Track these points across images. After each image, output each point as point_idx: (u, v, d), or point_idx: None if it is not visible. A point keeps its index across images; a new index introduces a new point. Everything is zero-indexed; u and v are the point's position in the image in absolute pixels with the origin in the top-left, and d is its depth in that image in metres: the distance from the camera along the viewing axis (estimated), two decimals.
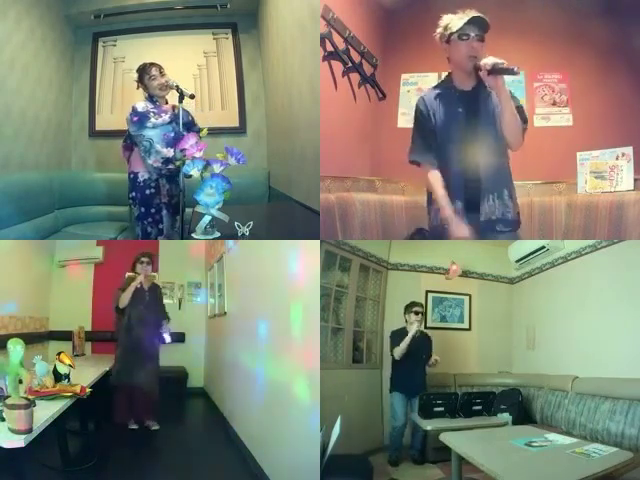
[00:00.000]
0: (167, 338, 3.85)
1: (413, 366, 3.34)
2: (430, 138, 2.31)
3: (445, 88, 2.31)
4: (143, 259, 3.81)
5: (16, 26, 4.00)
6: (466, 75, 2.24)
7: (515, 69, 2.06)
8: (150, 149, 3.20)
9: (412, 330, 3.31)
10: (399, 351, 3.29)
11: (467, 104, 2.25)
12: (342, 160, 3.44)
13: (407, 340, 3.29)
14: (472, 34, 2.15)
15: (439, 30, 2.24)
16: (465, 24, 2.14)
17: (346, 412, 2.52)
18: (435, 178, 2.29)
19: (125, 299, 3.70)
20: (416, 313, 3.37)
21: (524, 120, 2.24)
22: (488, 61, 2.09)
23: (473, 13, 2.16)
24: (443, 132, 2.28)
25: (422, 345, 3.39)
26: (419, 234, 3.38)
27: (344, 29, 3.33)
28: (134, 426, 3.77)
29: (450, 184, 2.26)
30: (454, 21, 2.18)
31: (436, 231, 2.36)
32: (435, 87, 2.39)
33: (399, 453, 3.27)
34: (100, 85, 5.09)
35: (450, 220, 2.21)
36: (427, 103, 2.32)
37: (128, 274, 3.82)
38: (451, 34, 2.19)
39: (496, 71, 2.09)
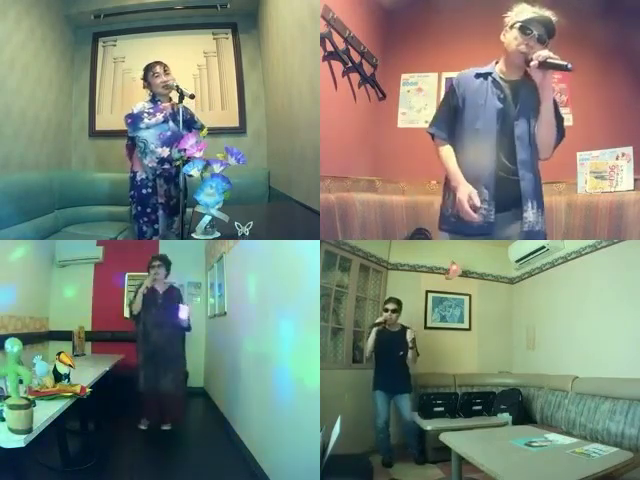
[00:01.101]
0: (185, 321, 3.73)
1: (391, 363, 3.29)
2: (451, 115, 2.25)
3: (488, 71, 2.21)
4: (154, 263, 3.79)
5: (16, 26, 4.00)
6: (514, 67, 2.16)
7: (568, 65, 1.98)
8: (145, 150, 3.22)
9: (373, 329, 3.27)
10: (366, 350, 3.29)
11: (506, 91, 2.16)
12: (342, 160, 3.44)
13: (370, 339, 3.27)
14: (535, 32, 2.06)
15: (511, 14, 2.14)
16: (531, 19, 2.06)
17: (346, 412, 2.52)
18: (447, 153, 2.23)
19: (136, 305, 3.70)
20: (385, 310, 3.33)
21: (561, 134, 2.17)
22: (542, 53, 2.02)
23: (546, 12, 2.08)
24: (470, 112, 2.20)
25: (398, 341, 3.31)
26: (419, 234, 3.38)
27: (344, 29, 3.33)
28: (143, 427, 3.78)
29: (476, 169, 2.17)
30: (525, 11, 2.09)
31: (450, 224, 2.28)
32: (480, 68, 2.27)
33: (391, 454, 3.23)
34: (100, 85, 5.09)
35: (461, 202, 2.12)
36: (461, 81, 2.25)
37: (129, 274, 3.82)
38: (515, 22, 2.09)
39: (547, 65, 2.01)
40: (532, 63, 2.03)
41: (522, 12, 2.10)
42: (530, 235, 2.23)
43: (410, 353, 3.29)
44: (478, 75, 2.21)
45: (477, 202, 2.12)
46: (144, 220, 3.36)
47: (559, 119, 2.16)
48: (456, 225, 2.27)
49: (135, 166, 3.36)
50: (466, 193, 2.13)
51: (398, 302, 3.38)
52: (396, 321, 3.35)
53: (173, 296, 3.86)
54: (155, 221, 3.37)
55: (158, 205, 3.36)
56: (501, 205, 2.20)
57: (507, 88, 2.17)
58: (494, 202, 2.19)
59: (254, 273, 3.34)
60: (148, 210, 3.35)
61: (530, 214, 2.20)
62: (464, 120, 2.21)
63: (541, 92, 2.08)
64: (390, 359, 3.29)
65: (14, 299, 3.99)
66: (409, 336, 3.29)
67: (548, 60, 2.01)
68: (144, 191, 3.32)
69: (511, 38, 2.11)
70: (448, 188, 2.30)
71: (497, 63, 2.22)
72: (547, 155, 2.21)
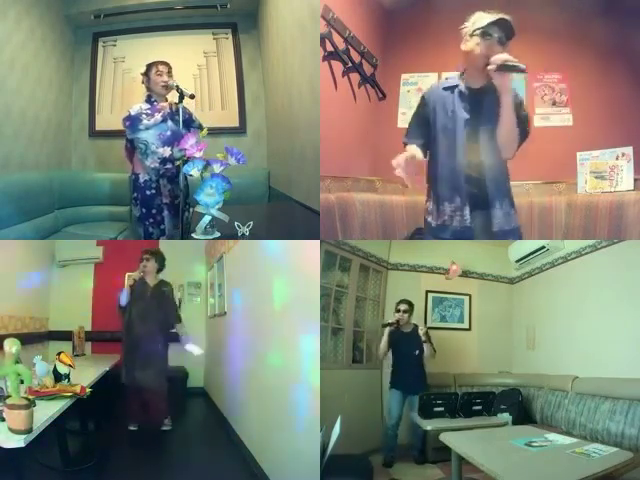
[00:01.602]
0: (190, 347, 3.80)
1: (407, 363, 3.34)
2: (423, 126, 2.32)
3: (455, 82, 2.29)
4: (144, 256, 3.80)
5: (16, 26, 4.00)
6: (478, 73, 2.21)
7: (522, 67, 2.07)
8: (146, 151, 3.19)
9: (386, 330, 3.32)
10: (379, 351, 3.33)
11: (472, 101, 2.24)
12: (342, 160, 3.43)
13: (383, 339, 3.31)
14: (495, 35, 2.13)
15: (467, 24, 2.22)
16: (490, 23, 2.13)
17: (346, 412, 2.52)
18: (413, 148, 2.28)
19: (123, 297, 3.71)
20: (397, 311, 3.37)
21: (525, 132, 2.23)
22: (500, 57, 2.09)
23: (502, 15, 2.15)
24: (441, 123, 2.27)
25: (412, 341, 3.34)
26: (419, 234, 3.38)
27: (344, 29, 3.33)
28: (134, 427, 3.77)
29: (448, 178, 2.25)
30: (483, 18, 2.17)
31: (431, 230, 2.35)
32: (447, 80, 2.37)
33: (393, 454, 3.25)
34: (100, 85, 5.10)
35: (399, 166, 2.15)
36: (431, 95, 2.33)
37: (128, 273, 3.84)
38: (476, 29, 2.16)
39: (504, 68, 2.09)
40: (490, 67, 2.10)
41: (479, 19, 2.17)
42: (500, 235, 2.28)
43: (426, 349, 3.32)
44: (446, 88, 2.29)
45: (420, 156, 2.20)
46: (150, 222, 3.34)
47: (522, 119, 2.21)
48: (435, 230, 2.34)
49: (136, 168, 3.34)
50: (410, 152, 2.19)
51: (410, 303, 3.43)
52: (408, 321, 3.40)
53: (161, 291, 3.85)
54: (161, 222, 3.36)
55: (163, 206, 3.34)
56: (472, 208, 2.26)
57: (473, 97, 2.25)
58: (468, 207, 2.25)
59: (254, 273, 3.34)
60: (153, 211, 3.33)
61: (498, 213, 2.25)
62: (437, 131, 2.29)
63: (500, 95, 2.14)
64: (407, 359, 3.34)
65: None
66: (421, 331, 3.32)
67: (505, 63, 2.07)
68: (148, 192, 3.30)
69: (473, 45, 2.18)
70: (429, 194, 2.38)
71: (463, 74, 2.29)
72: (509, 155, 2.25)
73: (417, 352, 3.35)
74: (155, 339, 3.76)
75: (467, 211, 2.24)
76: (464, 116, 2.23)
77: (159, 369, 3.76)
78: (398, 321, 3.34)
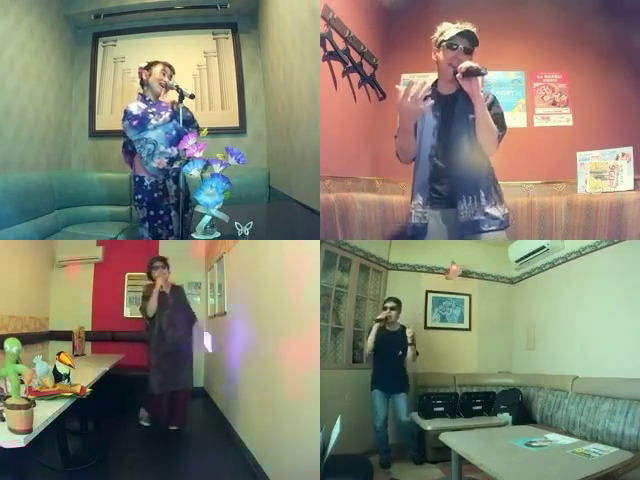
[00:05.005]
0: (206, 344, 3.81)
1: (389, 362, 3.32)
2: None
3: (427, 92, 2.41)
4: (157, 264, 3.79)
5: (16, 26, 4.00)
6: (448, 81, 2.35)
7: (483, 70, 2.19)
8: (154, 151, 3.13)
9: (375, 326, 3.31)
10: (366, 348, 3.32)
11: (444, 107, 2.36)
12: (342, 160, 3.43)
13: (371, 336, 3.30)
14: (460, 45, 2.26)
15: (435, 34, 2.36)
16: (456, 35, 2.26)
17: (346, 412, 2.52)
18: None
19: (152, 306, 3.71)
20: (384, 308, 3.37)
21: (502, 127, 2.32)
22: (464, 65, 2.22)
23: (467, 26, 2.29)
24: (417, 132, 2.43)
25: (397, 341, 3.33)
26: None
27: (344, 29, 3.33)
28: (146, 423, 3.83)
29: (417, 178, 2.42)
30: (449, 30, 2.30)
31: (413, 229, 2.46)
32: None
33: (389, 454, 3.24)
34: (100, 85, 5.10)
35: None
36: None
37: (147, 283, 3.83)
38: (442, 41, 2.30)
39: (468, 73, 2.21)
40: (457, 75, 2.23)
41: (446, 30, 2.31)
42: (468, 225, 2.35)
43: (410, 351, 3.31)
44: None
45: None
46: (158, 223, 3.33)
47: (498, 115, 2.31)
48: (408, 230, 2.49)
49: (139, 170, 3.29)
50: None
51: (397, 301, 3.41)
52: (396, 320, 3.38)
53: (179, 294, 3.90)
54: (169, 222, 3.35)
55: (170, 206, 3.33)
56: (440, 206, 2.39)
57: (444, 104, 2.37)
58: (428, 205, 2.39)
59: (254, 273, 3.34)
60: (161, 212, 3.32)
61: (465, 207, 2.34)
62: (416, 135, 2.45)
63: (472, 98, 2.25)
64: (389, 359, 3.31)
65: None
66: (409, 333, 3.32)
67: (469, 69, 2.20)
68: (156, 195, 3.28)
69: (441, 56, 2.32)
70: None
71: (436, 83, 2.43)
72: (491, 152, 2.35)
73: (400, 353, 3.33)
74: (189, 342, 3.84)
75: (427, 208, 2.38)
76: (433, 123, 2.37)
77: (190, 370, 3.87)
78: (387, 318, 3.32)
